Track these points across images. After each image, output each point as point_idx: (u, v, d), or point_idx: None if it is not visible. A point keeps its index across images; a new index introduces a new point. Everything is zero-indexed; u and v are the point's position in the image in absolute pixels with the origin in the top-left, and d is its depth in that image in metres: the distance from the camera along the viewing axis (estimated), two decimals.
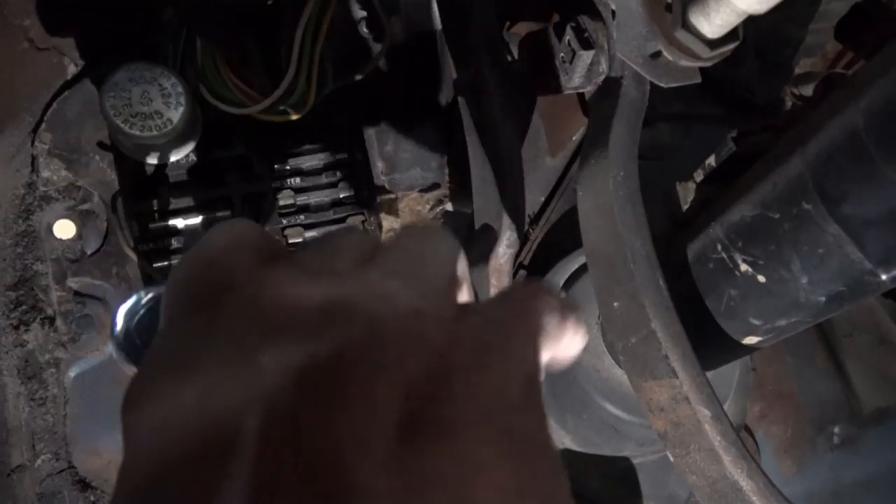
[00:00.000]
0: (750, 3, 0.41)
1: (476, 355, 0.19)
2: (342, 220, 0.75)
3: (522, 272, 0.89)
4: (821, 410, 0.93)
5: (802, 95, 0.66)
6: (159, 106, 0.60)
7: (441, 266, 0.22)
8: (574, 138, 0.80)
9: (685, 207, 0.63)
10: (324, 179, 0.74)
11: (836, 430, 0.93)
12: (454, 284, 0.22)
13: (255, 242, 0.21)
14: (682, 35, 0.46)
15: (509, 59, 0.82)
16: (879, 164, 0.37)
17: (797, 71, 0.75)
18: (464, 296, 0.23)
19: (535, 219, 0.89)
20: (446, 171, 0.85)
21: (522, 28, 0.90)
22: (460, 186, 0.89)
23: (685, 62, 0.48)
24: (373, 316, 0.18)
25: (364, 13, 0.68)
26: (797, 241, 0.45)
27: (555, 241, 0.87)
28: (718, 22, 0.44)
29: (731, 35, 0.46)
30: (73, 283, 0.78)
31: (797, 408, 0.93)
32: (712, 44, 0.46)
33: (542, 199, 0.89)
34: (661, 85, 0.50)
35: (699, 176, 0.62)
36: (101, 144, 0.76)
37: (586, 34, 0.57)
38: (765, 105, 0.94)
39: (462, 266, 0.23)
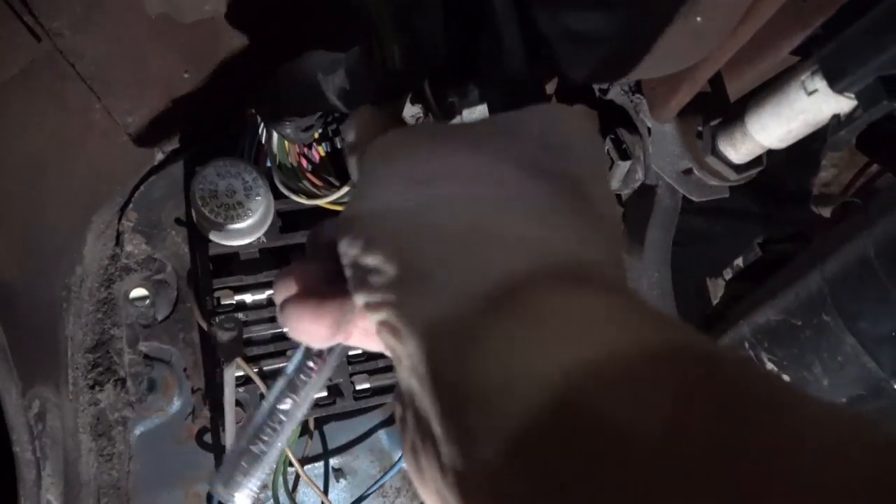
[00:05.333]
0: (772, 141, 0.47)
1: None
2: None
3: None
4: None
5: (822, 216, 0.71)
6: (241, 197, 0.68)
7: None
8: None
9: (715, 302, 0.67)
10: None
11: None
12: None
13: None
14: (711, 160, 0.52)
15: None
16: (889, 289, 0.42)
17: (819, 188, 0.80)
18: None
19: None
20: None
21: None
22: None
23: (714, 182, 0.53)
24: None
25: (421, 114, 0.75)
26: (818, 347, 0.49)
27: None
28: (744, 151, 0.50)
29: (755, 161, 0.51)
30: (143, 346, 0.85)
31: None
32: (738, 168, 0.52)
33: None
34: (693, 199, 0.56)
35: (728, 274, 0.67)
36: (177, 220, 0.85)
37: (624, 145, 0.63)
38: (794, 192, 0.99)
39: None
